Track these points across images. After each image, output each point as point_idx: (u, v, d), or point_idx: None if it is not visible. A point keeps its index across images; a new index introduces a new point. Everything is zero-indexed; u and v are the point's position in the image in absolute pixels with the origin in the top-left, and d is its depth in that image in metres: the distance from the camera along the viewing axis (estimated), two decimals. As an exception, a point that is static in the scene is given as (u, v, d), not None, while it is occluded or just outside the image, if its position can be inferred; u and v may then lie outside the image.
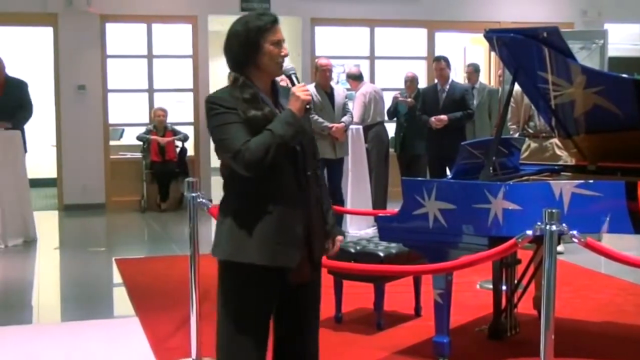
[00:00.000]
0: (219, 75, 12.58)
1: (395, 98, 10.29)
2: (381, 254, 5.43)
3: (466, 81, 11.28)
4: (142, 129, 11.61)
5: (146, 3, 11.68)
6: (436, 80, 9.58)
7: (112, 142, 12.22)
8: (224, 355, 3.25)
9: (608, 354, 5.03)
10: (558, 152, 6.98)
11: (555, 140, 6.79)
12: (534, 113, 6.95)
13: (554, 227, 3.47)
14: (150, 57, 12.00)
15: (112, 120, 11.96)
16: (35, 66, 13.02)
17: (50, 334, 5.56)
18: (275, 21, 3.18)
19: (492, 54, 11.99)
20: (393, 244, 5.47)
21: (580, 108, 5.06)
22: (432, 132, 9.30)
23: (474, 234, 4.41)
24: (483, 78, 12.87)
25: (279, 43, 3.17)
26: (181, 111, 12.67)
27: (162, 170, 11.35)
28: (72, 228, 10.58)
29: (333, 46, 12.97)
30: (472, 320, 5.60)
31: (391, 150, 10.25)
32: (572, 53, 4.83)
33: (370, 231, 8.50)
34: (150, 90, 12.07)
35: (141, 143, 11.49)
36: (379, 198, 9.66)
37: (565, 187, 4.40)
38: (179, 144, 11.61)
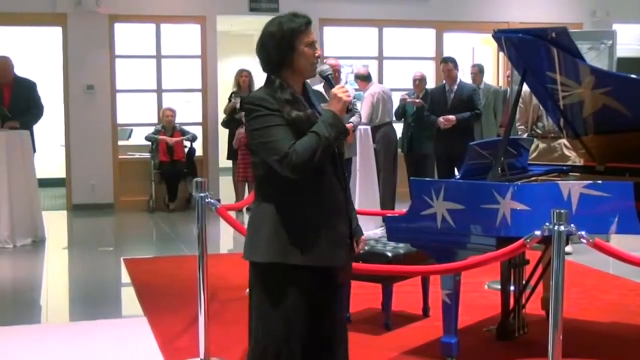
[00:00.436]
0: (228, 75, 12.70)
1: (403, 100, 10.29)
2: (389, 254, 5.43)
3: (471, 82, 11.27)
4: (151, 129, 11.62)
5: (155, 3, 11.70)
6: (444, 81, 9.58)
7: (120, 142, 12.23)
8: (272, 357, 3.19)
9: (616, 354, 5.02)
10: (566, 152, 6.97)
11: (564, 141, 6.79)
12: (543, 113, 6.94)
13: (562, 228, 3.47)
14: (158, 57, 12.02)
15: (120, 120, 11.99)
16: (44, 66, 13.07)
17: (59, 334, 5.57)
18: (309, 22, 3.20)
19: (501, 54, 11.98)
20: (401, 244, 5.46)
21: (588, 108, 5.05)
22: (440, 132, 9.30)
23: (482, 234, 4.40)
24: (492, 79, 12.87)
25: (312, 44, 3.18)
26: (190, 111, 12.69)
27: (170, 171, 11.36)
28: (81, 228, 10.61)
29: (341, 46, 12.97)
30: (480, 320, 5.59)
31: (399, 150, 10.25)
32: (581, 53, 4.82)
33: (379, 231, 8.50)
34: (159, 91, 12.09)
35: (149, 143, 11.51)
36: (387, 198, 9.66)
37: (573, 188, 4.40)
38: (187, 144, 11.62)
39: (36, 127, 9.50)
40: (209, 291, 4.80)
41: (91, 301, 6.55)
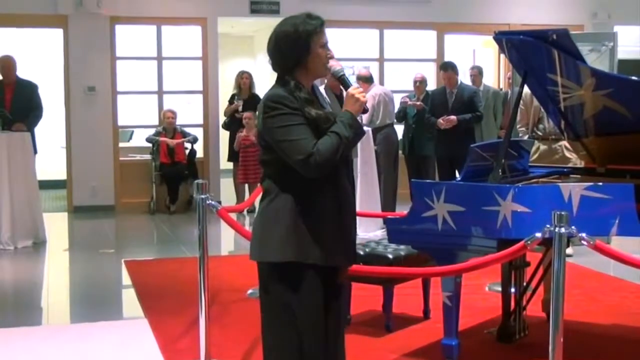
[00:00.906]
0: (228, 77, 12.69)
1: (403, 103, 10.29)
2: (390, 256, 5.43)
3: (471, 84, 11.27)
4: (152, 131, 11.62)
5: (156, 5, 11.70)
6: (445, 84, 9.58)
7: (121, 144, 12.23)
8: (291, 354, 3.19)
9: (617, 356, 5.03)
10: (567, 154, 6.97)
11: (565, 143, 6.79)
12: (543, 115, 6.93)
13: (563, 230, 3.46)
14: (159, 58, 12.02)
15: (121, 122, 11.99)
16: (45, 68, 13.07)
17: (60, 336, 5.57)
18: (323, 24, 3.19)
19: (502, 56, 11.97)
20: (402, 246, 5.47)
21: (589, 110, 5.05)
22: (441, 134, 9.30)
23: (483, 236, 4.40)
24: (493, 81, 12.86)
25: (326, 45, 3.19)
26: (191, 113, 12.68)
27: (171, 172, 11.35)
28: (82, 230, 10.61)
29: (343, 48, 12.96)
30: (481, 322, 5.59)
31: (400, 152, 10.25)
32: (582, 55, 4.82)
33: (379, 233, 8.50)
34: (160, 92, 12.08)
35: (150, 145, 11.51)
36: (388, 200, 9.65)
37: (574, 190, 4.40)
38: (188, 145, 11.61)
39: (37, 129, 9.50)
40: (209, 293, 4.80)
41: (92, 303, 6.55)
